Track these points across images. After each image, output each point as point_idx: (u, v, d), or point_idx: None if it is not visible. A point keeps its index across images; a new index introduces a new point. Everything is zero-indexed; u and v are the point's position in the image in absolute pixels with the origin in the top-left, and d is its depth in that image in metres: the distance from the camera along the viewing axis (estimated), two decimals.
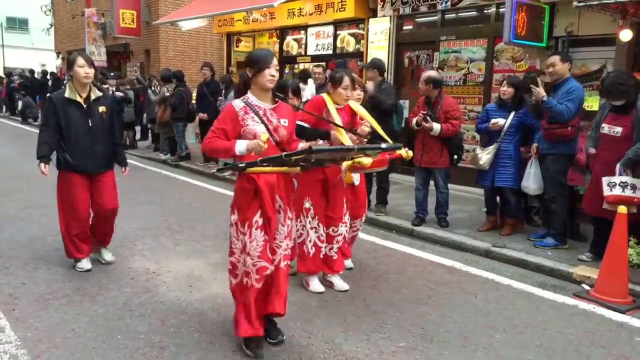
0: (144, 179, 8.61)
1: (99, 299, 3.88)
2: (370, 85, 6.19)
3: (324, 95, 4.22)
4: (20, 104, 19.30)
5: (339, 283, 4.27)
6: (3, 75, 22.58)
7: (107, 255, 4.67)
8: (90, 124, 4.25)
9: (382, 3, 9.02)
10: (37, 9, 24.99)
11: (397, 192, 7.49)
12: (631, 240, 4.24)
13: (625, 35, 5.88)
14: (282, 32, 11.64)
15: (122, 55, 18.90)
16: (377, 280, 4.50)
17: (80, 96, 4.23)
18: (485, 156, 5.62)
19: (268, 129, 3.06)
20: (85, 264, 4.42)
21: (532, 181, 5.35)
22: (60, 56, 23.43)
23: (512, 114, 5.57)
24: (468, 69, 8.03)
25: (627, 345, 3.48)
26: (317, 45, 10.79)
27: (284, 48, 11.67)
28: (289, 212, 3.23)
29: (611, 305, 4.02)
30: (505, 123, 5.55)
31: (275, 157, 2.85)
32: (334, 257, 4.25)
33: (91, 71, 4.23)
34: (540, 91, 5.06)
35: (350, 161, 3.34)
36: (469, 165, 6.23)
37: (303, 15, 10.42)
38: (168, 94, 10.06)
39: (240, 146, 2.96)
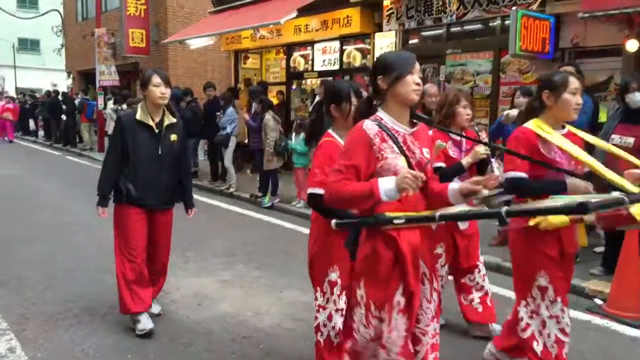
0: None
1: (108, 319, 3.89)
2: None
3: (531, 124, 2.71)
4: (31, 123, 19.63)
5: None
6: (15, 96, 22.91)
7: (155, 307, 3.95)
8: (160, 152, 3.67)
9: (387, 18, 9.08)
10: (48, 30, 25.38)
11: None
12: None
13: (632, 45, 5.87)
14: (289, 49, 11.74)
15: (132, 74, 19.12)
16: None
17: (153, 120, 3.67)
18: (497, 170, 5.57)
19: (409, 164, 2.13)
20: (145, 322, 3.62)
21: None
22: (71, 76, 23.77)
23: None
24: (475, 81, 8.03)
25: None
26: (324, 60, 10.85)
27: (291, 64, 11.76)
28: (435, 282, 2.32)
29: (624, 320, 3.96)
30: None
31: (486, 212, 2.06)
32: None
33: (167, 91, 3.66)
34: None
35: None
36: None
37: (309, 32, 10.51)
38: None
39: (388, 185, 1.98)
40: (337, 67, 10.51)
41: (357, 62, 10.16)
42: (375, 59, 2.27)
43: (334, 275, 2.78)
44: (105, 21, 17.60)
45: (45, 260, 5.25)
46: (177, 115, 3.86)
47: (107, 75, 15.51)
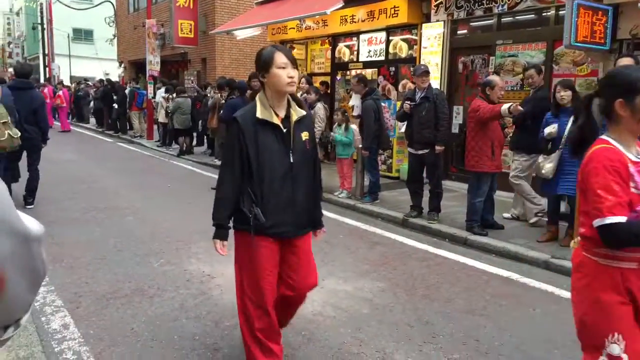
0: (199, 184, 8.85)
1: (156, 300, 4.02)
2: None
3: None
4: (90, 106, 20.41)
5: None
6: (70, 84, 23.80)
7: None
8: (291, 160, 2.72)
9: (435, 8, 8.91)
10: (101, 21, 26.32)
11: (450, 199, 7.35)
12: None
13: None
14: (335, 39, 11.69)
15: (180, 63, 19.58)
16: (429, 289, 4.43)
17: (277, 115, 2.71)
18: (547, 165, 5.41)
19: None
20: None
21: None
22: (123, 65, 24.52)
23: (572, 118, 5.35)
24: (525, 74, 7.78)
25: None
26: (370, 51, 10.77)
27: (336, 55, 11.73)
28: None
29: None
30: (557, 130, 5.35)
31: None
32: None
33: (296, 74, 2.69)
34: None
35: None
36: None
37: (355, 22, 10.44)
38: (223, 101, 10.30)
39: None
40: (382, 57, 10.42)
41: (404, 53, 10.02)
42: None
43: (615, 348, 1.99)
44: (156, 12, 18.06)
45: (97, 241, 5.47)
46: (306, 105, 3.02)
47: (155, 65, 15.91)
